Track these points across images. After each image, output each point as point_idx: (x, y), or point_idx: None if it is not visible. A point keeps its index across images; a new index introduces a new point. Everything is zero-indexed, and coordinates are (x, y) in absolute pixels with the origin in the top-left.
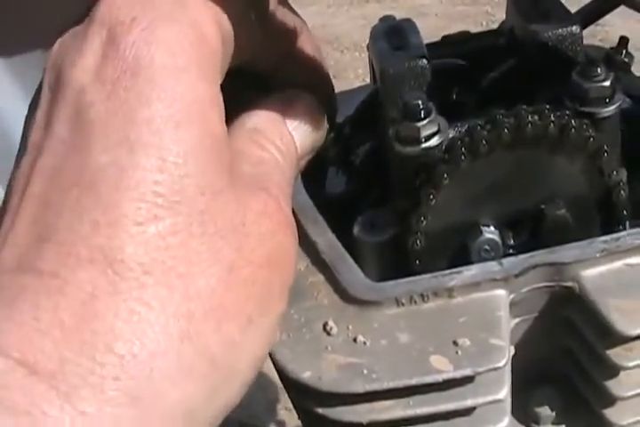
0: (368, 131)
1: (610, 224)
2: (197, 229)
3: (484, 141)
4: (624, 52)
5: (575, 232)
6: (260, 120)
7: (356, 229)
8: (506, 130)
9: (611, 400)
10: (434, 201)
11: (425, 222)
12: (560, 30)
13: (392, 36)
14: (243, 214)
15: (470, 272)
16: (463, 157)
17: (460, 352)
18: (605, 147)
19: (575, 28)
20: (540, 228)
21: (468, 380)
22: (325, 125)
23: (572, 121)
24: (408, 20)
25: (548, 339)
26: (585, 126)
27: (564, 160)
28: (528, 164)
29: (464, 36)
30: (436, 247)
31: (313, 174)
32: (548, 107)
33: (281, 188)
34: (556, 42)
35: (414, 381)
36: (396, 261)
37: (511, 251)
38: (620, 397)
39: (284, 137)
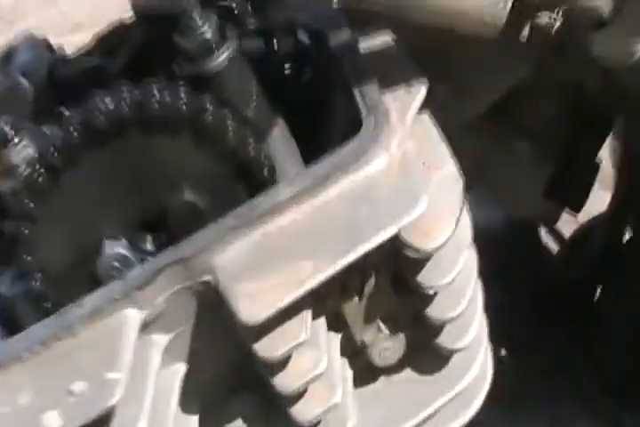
0: None
1: (256, 190)
2: None
3: (65, 148)
4: None
5: (215, 213)
6: None
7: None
8: (78, 127)
9: (287, 397)
10: (31, 234)
11: (37, 259)
12: None
13: (8, 59)
14: None
15: (91, 300)
16: (45, 174)
17: (73, 400)
18: (225, 111)
19: None
20: (171, 221)
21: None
22: None
23: (159, 94)
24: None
25: (223, 346)
26: (191, 94)
27: (171, 140)
28: (134, 156)
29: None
30: (65, 281)
31: None
32: (127, 88)
33: None
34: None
35: None
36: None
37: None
38: (289, 392)
39: None
